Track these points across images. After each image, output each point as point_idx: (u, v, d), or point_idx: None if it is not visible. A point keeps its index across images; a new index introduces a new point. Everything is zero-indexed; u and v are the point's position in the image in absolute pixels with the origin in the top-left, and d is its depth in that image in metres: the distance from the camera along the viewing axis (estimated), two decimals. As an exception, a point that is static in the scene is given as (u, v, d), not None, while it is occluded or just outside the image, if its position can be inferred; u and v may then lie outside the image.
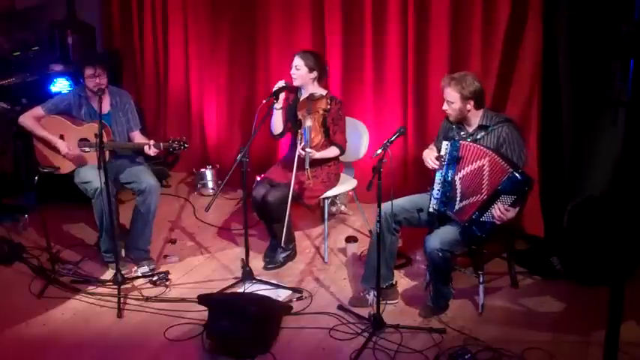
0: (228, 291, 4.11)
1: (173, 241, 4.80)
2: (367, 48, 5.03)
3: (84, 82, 4.33)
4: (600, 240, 3.93)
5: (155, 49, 5.98)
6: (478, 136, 3.73)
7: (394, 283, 4.02)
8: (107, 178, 3.96)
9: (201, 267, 4.47)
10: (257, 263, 4.39)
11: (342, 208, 5.19)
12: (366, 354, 3.52)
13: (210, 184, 5.58)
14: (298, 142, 4.16)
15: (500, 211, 3.56)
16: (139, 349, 3.63)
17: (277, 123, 4.37)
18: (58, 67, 5.59)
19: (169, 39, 5.87)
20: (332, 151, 4.34)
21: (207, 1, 5.62)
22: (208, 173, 5.59)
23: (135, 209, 4.37)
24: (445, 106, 3.75)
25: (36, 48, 5.75)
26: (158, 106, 6.13)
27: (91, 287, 4.18)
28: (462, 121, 3.78)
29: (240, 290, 4.10)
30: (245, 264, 4.19)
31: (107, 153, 4.09)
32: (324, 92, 4.36)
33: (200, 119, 5.95)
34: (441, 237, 3.66)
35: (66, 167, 4.42)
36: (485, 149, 3.63)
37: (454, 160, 3.70)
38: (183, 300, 4.02)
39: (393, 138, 3.65)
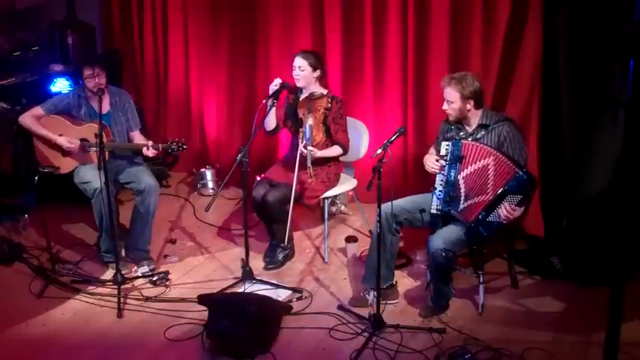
0: (228, 291, 4.11)
1: (173, 241, 4.80)
2: (367, 48, 5.02)
3: (83, 83, 4.32)
4: (600, 240, 3.93)
5: (155, 49, 5.98)
6: (478, 135, 3.73)
7: (394, 283, 4.03)
8: (107, 179, 3.96)
9: (201, 267, 4.47)
10: (257, 263, 4.39)
11: (342, 208, 5.19)
12: (366, 354, 3.52)
13: (210, 184, 5.58)
14: (300, 140, 4.16)
15: (507, 210, 3.57)
16: (139, 349, 3.63)
17: (270, 120, 4.37)
18: (58, 67, 5.59)
19: (169, 39, 5.87)
20: (334, 150, 4.34)
21: (207, 1, 5.61)
22: (208, 173, 5.59)
23: (134, 209, 4.37)
24: (445, 106, 3.76)
25: (36, 48, 5.75)
26: (158, 106, 6.13)
27: (91, 287, 4.18)
28: (461, 121, 3.78)
29: (240, 290, 4.10)
30: (245, 264, 4.19)
31: (106, 153, 4.09)
32: (324, 91, 4.36)
33: (200, 119, 5.95)
34: (444, 237, 3.66)
35: (66, 167, 4.42)
36: (489, 148, 3.63)
37: (456, 160, 3.70)
38: (183, 300, 4.02)
39: (393, 138, 3.66)
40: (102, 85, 4.24)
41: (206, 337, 3.61)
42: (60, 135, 4.36)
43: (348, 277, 4.31)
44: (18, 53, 5.62)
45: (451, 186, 3.73)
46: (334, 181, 4.48)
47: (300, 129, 4.21)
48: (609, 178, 3.96)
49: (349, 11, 5.04)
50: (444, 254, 3.62)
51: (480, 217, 3.64)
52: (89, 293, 4.11)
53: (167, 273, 4.28)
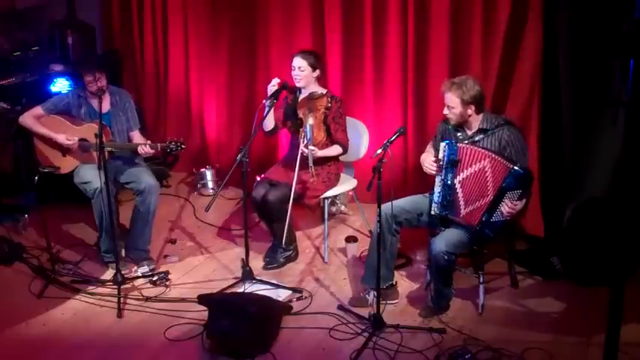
0: (228, 291, 4.11)
1: (173, 241, 4.80)
2: (367, 48, 5.02)
3: (84, 84, 4.32)
4: (600, 240, 3.93)
5: (155, 49, 5.98)
6: (476, 138, 3.73)
7: (394, 283, 4.03)
8: (107, 179, 3.96)
9: (201, 267, 4.47)
10: (257, 263, 4.39)
11: (342, 208, 5.19)
12: (366, 354, 3.52)
13: (210, 184, 5.58)
14: (301, 140, 4.15)
15: (509, 207, 3.58)
16: (139, 349, 3.63)
17: (269, 120, 4.37)
18: (58, 67, 5.59)
19: (169, 39, 5.87)
20: (334, 150, 4.34)
21: (207, 1, 5.61)
22: (208, 173, 5.59)
23: (134, 209, 4.37)
24: (446, 111, 3.75)
25: (36, 48, 5.74)
26: (158, 106, 6.13)
27: (91, 287, 4.17)
28: (462, 125, 3.77)
29: (240, 290, 4.10)
30: (245, 264, 4.19)
31: (106, 153, 4.09)
32: (324, 91, 4.36)
33: (200, 119, 5.95)
34: (446, 240, 3.66)
35: (66, 167, 4.42)
36: (483, 151, 3.63)
37: (452, 164, 3.69)
38: (183, 300, 4.02)
39: (393, 138, 3.65)
40: (103, 87, 4.25)
41: (206, 337, 3.61)
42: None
43: (348, 277, 4.31)
44: (18, 53, 5.62)
45: (448, 189, 3.73)
46: (334, 181, 4.48)
47: (301, 129, 4.20)
48: (609, 178, 3.97)
49: (349, 11, 5.04)
50: (446, 257, 3.62)
51: (483, 219, 3.64)
52: (89, 293, 4.11)
53: (167, 273, 4.28)
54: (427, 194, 3.91)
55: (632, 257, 3.85)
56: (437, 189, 3.77)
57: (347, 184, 4.62)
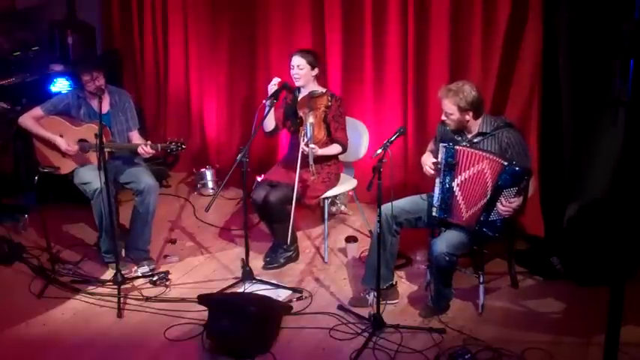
0: (228, 291, 4.11)
1: (173, 241, 4.80)
2: (367, 48, 5.02)
3: (83, 85, 4.32)
4: (600, 240, 3.93)
5: (155, 49, 5.98)
6: (475, 140, 3.73)
7: (394, 283, 4.02)
8: (107, 179, 3.96)
9: (201, 267, 4.47)
10: (257, 263, 4.39)
11: (342, 208, 5.19)
12: (366, 354, 3.52)
13: (210, 184, 5.58)
14: (301, 139, 4.15)
15: (506, 205, 3.57)
16: (139, 349, 3.63)
17: (269, 120, 4.37)
18: (58, 67, 5.59)
19: (169, 39, 5.87)
20: (334, 149, 4.34)
21: (207, 1, 5.62)
22: (208, 173, 5.59)
23: (134, 209, 4.37)
24: (444, 117, 3.74)
25: (36, 48, 5.74)
26: (158, 106, 6.13)
27: (91, 287, 4.17)
28: (461, 130, 3.77)
29: (240, 290, 4.10)
30: (245, 264, 4.19)
31: (106, 153, 4.08)
32: (323, 90, 4.36)
33: (200, 119, 5.95)
34: (447, 241, 3.66)
35: (66, 167, 4.42)
36: (481, 153, 3.62)
37: (450, 167, 3.69)
38: (183, 300, 4.02)
39: (393, 138, 3.65)
40: (102, 86, 4.24)
41: (206, 337, 3.61)
42: (60, 136, 4.36)
43: (348, 277, 4.31)
44: (18, 53, 5.62)
45: (447, 192, 3.73)
46: (334, 181, 4.48)
47: (301, 127, 4.21)
48: (609, 178, 3.96)
49: (349, 11, 5.04)
50: (447, 258, 3.62)
51: (481, 219, 3.64)
52: (89, 293, 4.11)
53: (167, 273, 4.28)
54: (427, 195, 3.90)
55: (632, 257, 3.85)
56: (436, 191, 3.77)
57: (347, 184, 4.62)
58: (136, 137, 4.51)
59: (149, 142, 4.30)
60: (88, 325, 3.83)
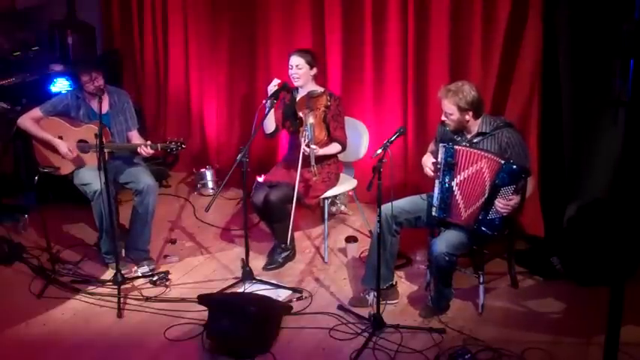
0: (228, 291, 4.11)
1: (173, 241, 4.80)
2: (367, 47, 5.02)
3: (82, 86, 4.32)
4: (600, 240, 3.93)
5: (155, 49, 5.98)
6: (475, 140, 3.73)
7: (394, 283, 4.02)
8: (107, 179, 3.96)
9: (201, 267, 4.47)
10: (257, 263, 4.39)
11: (342, 208, 5.18)
12: (366, 354, 3.52)
13: (210, 184, 5.58)
14: (303, 139, 4.15)
15: (504, 203, 3.57)
16: (139, 349, 3.63)
17: (269, 122, 4.37)
18: (58, 67, 5.59)
19: (169, 39, 5.87)
20: (334, 148, 4.34)
21: (207, 1, 5.61)
22: (208, 173, 5.59)
23: (133, 210, 4.37)
24: (444, 117, 3.75)
25: (36, 48, 5.75)
26: (158, 106, 6.13)
27: (91, 287, 4.17)
28: (461, 130, 3.77)
29: (240, 290, 4.10)
30: (245, 264, 4.19)
31: (106, 154, 4.08)
32: (322, 89, 4.36)
33: (200, 119, 5.95)
34: (447, 241, 3.66)
35: (66, 168, 4.42)
36: (480, 152, 3.62)
37: (449, 166, 3.69)
38: (183, 300, 4.02)
39: (393, 138, 3.65)
40: (101, 86, 4.24)
41: (206, 337, 3.61)
42: (59, 137, 4.35)
43: (348, 277, 4.31)
44: (18, 53, 5.62)
45: (446, 192, 3.73)
46: (334, 181, 4.48)
47: (301, 128, 4.20)
48: (609, 178, 3.96)
49: (349, 11, 5.04)
50: (447, 258, 3.62)
51: (480, 217, 3.64)
52: (89, 293, 4.11)
53: (167, 273, 4.28)
54: (427, 195, 3.90)
55: (632, 257, 3.85)
56: (436, 191, 3.77)
57: (347, 184, 4.61)
58: (135, 137, 4.51)
59: (149, 142, 4.30)
60: (88, 325, 3.83)
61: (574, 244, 4.11)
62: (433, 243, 3.69)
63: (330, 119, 4.30)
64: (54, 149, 4.38)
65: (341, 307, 3.94)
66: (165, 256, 4.58)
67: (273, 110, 4.28)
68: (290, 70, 4.32)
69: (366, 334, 3.65)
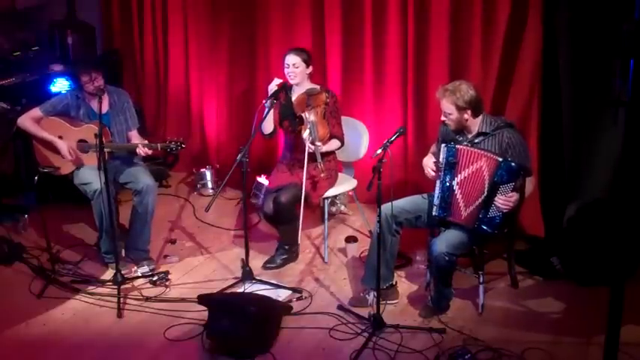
0: (228, 291, 4.11)
1: (173, 241, 4.80)
2: (367, 48, 5.02)
3: (82, 86, 4.32)
4: (600, 240, 3.93)
5: (155, 49, 5.98)
6: (476, 141, 3.73)
7: (394, 283, 4.02)
8: (107, 179, 3.96)
9: (201, 267, 4.47)
10: (257, 263, 4.39)
11: (342, 208, 5.18)
12: (366, 354, 3.52)
13: (210, 184, 5.58)
14: (307, 138, 4.15)
15: (503, 200, 3.57)
16: (139, 349, 3.63)
17: (268, 123, 4.36)
18: (58, 67, 5.59)
19: (169, 39, 5.87)
20: (334, 144, 4.35)
21: (207, 1, 5.62)
22: (208, 173, 5.59)
23: (133, 210, 4.37)
24: (443, 117, 3.75)
25: (36, 48, 5.75)
26: (158, 106, 6.13)
27: (91, 287, 4.17)
28: (462, 130, 3.77)
29: (240, 290, 4.10)
30: (245, 264, 4.19)
31: (106, 154, 4.08)
32: (318, 87, 4.37)
33: (200, 119, 5.95)
34: (447, 240, 3.66)
35: (66, 168, 4.42)
36: (480, 151, 3.63)
37: (450, 166, 3.69)
38: (183, 300, 4.02)
39: (393, 138, 3.66)
40: (101, 86, 4.24)
41: (206, 337, 3.61)
42: (59, 137, 4.35)
43: (348, 277, 4.31)
44: (18, 53, 5.62)
45: (446, 191, 3.73)
46: (335, 177, 4.48)
47: (302, 127, 4.21)
48: (609, 178, 3.96)
49: (349, 11, 5.04)
50: (447, 258, 3.62)
51: (480, 216, 3.64)
52: (89, 293, 4.11)
53: (167, 273, 4.28)
54: (427, 195, 3.90)
55: (632, 257, 3.85)
56: (436, 191, 3.77)
57: (347, 184, 4.62)
58: (135, 137, 4.51)
59: (146, 142, 4.29)
60: (88, 325, 3.83)
61: (574, 244, 4.11)
62: (433, 243, 3.70)
63: (329, 116, 4.30)
64: (54, 149, 4.38)
65: (341, 307, 3.94)
66: (165, 256, 4.58)
67: (272, 111, 4.28)
68: (286, 69, 4.32)
69: (366, 334, 3.65)
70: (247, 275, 4.15)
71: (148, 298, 4.04)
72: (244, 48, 5.55)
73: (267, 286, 4.13)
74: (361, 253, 4.52)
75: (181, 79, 5.93)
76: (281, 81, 4.24)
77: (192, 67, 5.85)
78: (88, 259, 4.51)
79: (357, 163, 4.79)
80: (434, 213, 3.79)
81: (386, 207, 3.72)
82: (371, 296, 3.90)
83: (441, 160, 3.73)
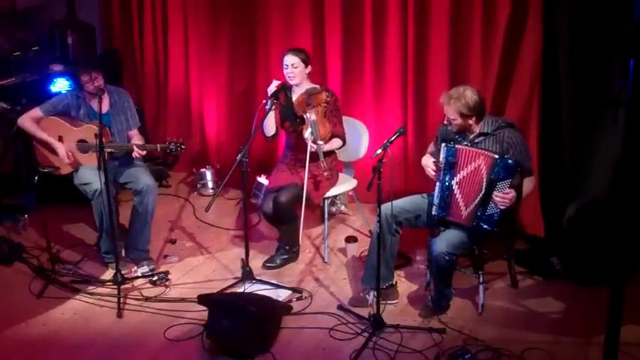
0: (228, 291, 4.11)
1: (173, 241, 4.80)
2: (367, 49, 5.02)
3: (82, 86, 4.32)
4: (600, 240, 3.93)
5: (155, 49, 5.98)
6: (477, 141, 3.73)
7: (394, 283, 4.02)
8: (107, 179, 3.96)
9: (201, 267, 4.47)
10: (257, 263, 4.39)
11: (342, 208, 5.19)
12: (366, 354, 3.52)
13: (210, 184, 5.58)
14: (309, 137, 4.15)
15: (501, 197, 3.57)
16: (139, 349, 3.63)
17: (270, 124, 4.36)
18: (58, 67, 5.59)
19: (169, 39, 5.87)
20: (336, 143, 4.34)
21: (207, 1, 5.61)
22: (208, 173, 5.59)
23: (133, 209, 4.37)
24: (446, 122, 3.75)
25: (36, 48, 5.75)
26: (158, 106, 6.13)
27: (91, 287, 4.17)
28: (463, 131, 3.77)
29: (240, 290, 4.10)
30: (245, 264, 4.19)
31: (106, 154, 4.08)
32: (318, 86, 4.37)
33: (200, 119, 5.95)
34: (447, 240, 3.66)
35: (66, 168, 4.41)
36: (478, 150, 3.63)
37: (450, 165, 3.69)
38: (183, 300, 4.02)
39: (393, 138, 3.66)
40: (101, 86, 4.24)
41: (206, 337, 3.61)
42: (59, 137, 4.35)
43: (348, 277, 4.31)
44: (18, 53, 5.62)
45: (446, 191, 3.73)
46: (336, 177, 4.49)
47: (303, 127, 4.21)
48: (609, 178, 3.96)
49: (349, 12, 5.04)
50: (447, 257, 3.62)
51: (478, 213, 3.64)
52: (89, 293, 4.11)
53: (167, 273, 4.28)
54: (427, 195, 3.90)
55: (632, 257, 3.85)
56: (436, 190, 3.78)
57: (347, 184, 4.62)
58: (136, 136, 4.51)
59: (141, 144, 4.30)
60: (88, 325, 3.83)
61: (574, 244, 4.11)
62: (433, 243, 3.70)
63: (330, 115, 4.30)
64: (54, 149, 4.37)
65: (341, 307, 3.94)
66: (165, 256, 4.58)
67: (273, 112, 4.28)
68: (285, 70, 4.32)
69: (366, 334, 3.65)
70: (247, 275, 4.15)
71: (148, 298, 4.04)
72: (244, 48, 5.55)
73: (267, 286, 4.13)
74: (361, 253, 4.52)
75: (181, 79, 5.93)
76: (279, 82, 4.23)
77: (192, 67, 5.85)
78: (88, 259, 4.52)
79: (357, 163, 4.79)
80: (433, 212, 3.79)
81: (386, 207, 3.72)
82: (371, 296, 3.90)
83: (440, 159, 3.73)
